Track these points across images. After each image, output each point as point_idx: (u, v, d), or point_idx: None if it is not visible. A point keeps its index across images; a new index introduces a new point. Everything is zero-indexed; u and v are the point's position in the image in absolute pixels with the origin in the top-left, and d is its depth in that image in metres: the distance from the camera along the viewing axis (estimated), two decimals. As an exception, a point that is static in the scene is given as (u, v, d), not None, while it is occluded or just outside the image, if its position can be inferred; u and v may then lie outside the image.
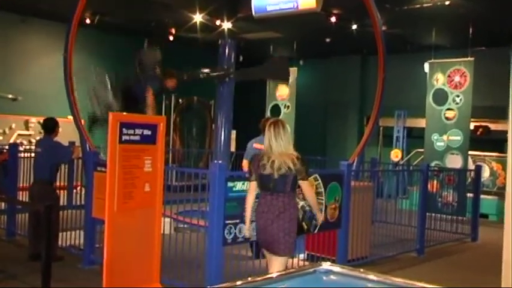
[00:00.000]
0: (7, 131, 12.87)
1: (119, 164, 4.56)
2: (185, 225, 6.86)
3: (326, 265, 2.40)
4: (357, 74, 17.59)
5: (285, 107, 14.82)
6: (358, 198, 6.82)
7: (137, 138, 4.66)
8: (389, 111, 13.79)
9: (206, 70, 8.30)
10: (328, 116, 18.15)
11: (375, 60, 9.56)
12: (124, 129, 4.56)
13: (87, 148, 8.01)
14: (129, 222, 4.70)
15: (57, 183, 7.25)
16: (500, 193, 11.21)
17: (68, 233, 7.20)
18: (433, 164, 11.44)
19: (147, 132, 4.73)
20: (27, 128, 13.16)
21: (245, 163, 7.39)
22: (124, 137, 4.57)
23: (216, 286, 2.09)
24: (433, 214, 9.51)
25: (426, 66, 12.76)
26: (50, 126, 6.87)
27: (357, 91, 17.61)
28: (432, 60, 12.64)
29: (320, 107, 17.95)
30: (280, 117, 14.52)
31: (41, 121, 7.17)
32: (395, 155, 14.53)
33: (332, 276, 2.33)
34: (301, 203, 5.58)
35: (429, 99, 12.30)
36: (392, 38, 12.08)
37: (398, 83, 14.69)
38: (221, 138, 8.50)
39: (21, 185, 8.28)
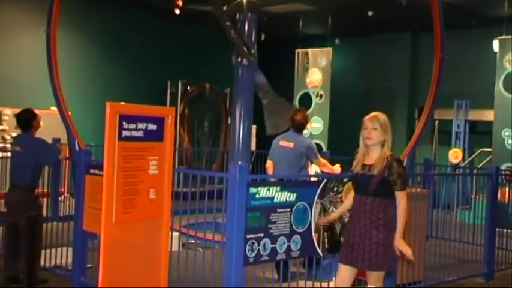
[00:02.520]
0: (-24, 126, 13.06)
1: (118, 165, 4.62)
2: (197, 241, 6.95)
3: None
4: (406, 55, 17.52)
5: (317, 96, 14.85)
6: (409, 208, 6.82)
7: (140, 134, 4.73)
8: (447, 101, 13.71)
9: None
10: (371, 107, 18.00)
11: (430, 38, 9.54)
12: (124, 123, 4.62)
13: (77, 146, 8.15)
14: (130, 236, 4.77)
15: (39, 190, 7.36)
16: None
17: (53, 250, 7.31)
18: (503, 167, 11.38)
19: (152, 126, 4.80)
20: (0, 122, 13.35)
21: (269, 164, 7.46)
22: (124, 133, 4.63)
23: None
24: (504, 230, 9.48)
25: (495, 44, 12.68)
26: (26, 120, 6.93)
27: (406, 76, 17.54)
28: (503, 37, 12.56)
29: (360, 96, 17.91)
30: (311, 108, 14.56)
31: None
32: (455, 155, 14.46)
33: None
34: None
35: (499, 85, 12.23)
36: (453, 9, 12.03)
37: (459, 66, 14.60)
38: (239, 135, 8.57)
39: (-6, 191, 8.43)
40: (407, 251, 4.88)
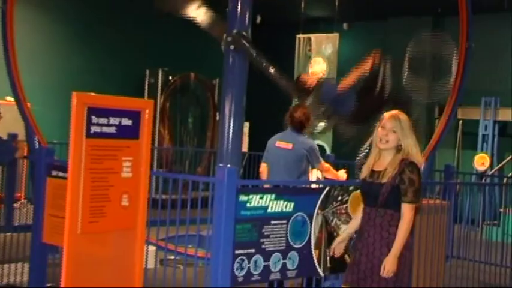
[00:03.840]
0: None
1: (85, 166, 4.62)
2: (177, 257, 6.95)
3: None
4: (427, 42, 17.53)
5: (321, 90, 14.87)
6: (425, 224, 6.86)
7: (112, 130, 4.73)
8: (473, 98, 13.76)
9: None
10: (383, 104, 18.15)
11: (455, 23, 9.58)
12: (93, 117, 4.62)
13: (37, 144, 8.14)
14: (98, 250, 4.77)
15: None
16: None
17: (5, 266, 7.30)
18: (537, 176, 11.43)
19: (126, 121, 4.80)
20: None
21: (263, 168, 7.47)
22: (93, 129, 4.63)
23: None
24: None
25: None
26: None
27: (426, 68, 17.55)
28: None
29: (372, 90, 17.92)
30: (314, 104, 14.56)
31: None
32: (482, 161, 14.51)
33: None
34: (344, 227, 5.68)
35: (534, 80, 12.25)
36: (481, -10, 12.05)
37: (488, 57, 14.63)
38: (229, 133, 8.57)
39: None
40: (388, 273, 4.81)
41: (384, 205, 4.89)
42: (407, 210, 4.85)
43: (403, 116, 5.01)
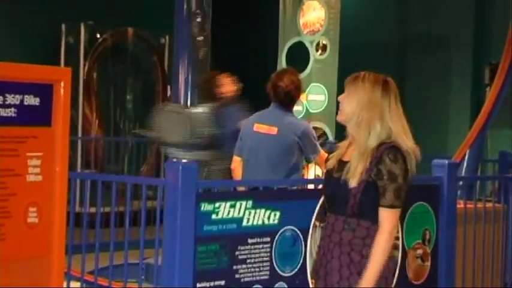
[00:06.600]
0: None
1: (-28, 167, 4.62)
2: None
3: None
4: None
5: (317, 48, 14.85)
6: (471, 238, 6.89)
7: (10, 113, 4.70)
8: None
9: None
10: (409, 66, 18.22)
11: None
12: (-18, 94, 4.62)
13: None
14: (-5, 289, 4.77)
15: None
16: None
17: None
18: None
19: (31, 100, 4.77)
20: None
21: (237, 163, 7.47)
22: (-17, 111, 4.62)
23: None
24: None
25: None
26: None
27: (469, 15, 17.66)
28: None
29: (392, 46, 18.01)
30: (308, 68, 14.57)
31: None
32: (553, 146, 14.61)
33: None
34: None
35: None
36: None
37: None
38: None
39: None
40: None
41: (355, 213, 4.69)
42: (385, 218, 4.64)
43: (368, 76, 5.06)
